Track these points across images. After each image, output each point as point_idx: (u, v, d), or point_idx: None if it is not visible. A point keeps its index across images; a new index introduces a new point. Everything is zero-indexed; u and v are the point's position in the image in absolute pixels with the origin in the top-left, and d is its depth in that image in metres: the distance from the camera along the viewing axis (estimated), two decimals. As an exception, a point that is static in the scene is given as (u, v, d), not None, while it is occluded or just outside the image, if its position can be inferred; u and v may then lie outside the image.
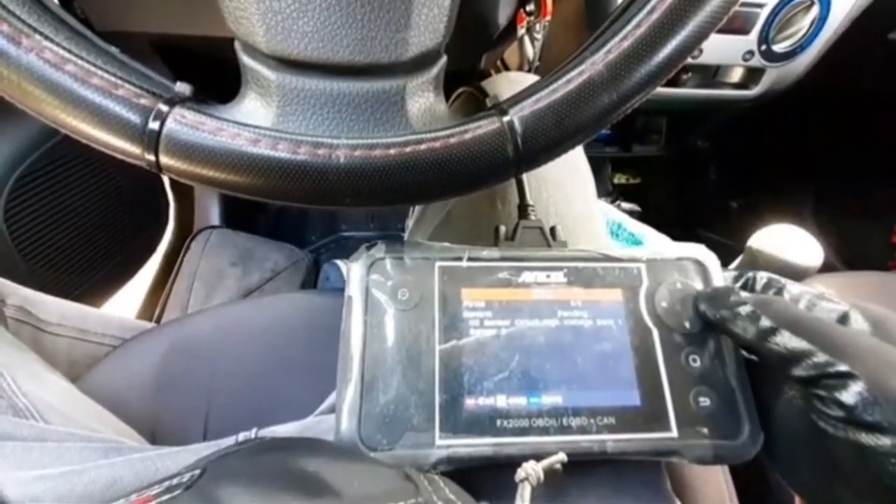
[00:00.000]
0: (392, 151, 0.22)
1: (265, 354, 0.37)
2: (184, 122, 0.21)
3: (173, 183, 0.77)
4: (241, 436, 0.28)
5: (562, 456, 0.23)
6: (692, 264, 0.28)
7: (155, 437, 0.34)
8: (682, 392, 0.25)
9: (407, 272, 0.26)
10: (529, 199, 0.30)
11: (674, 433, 0.24)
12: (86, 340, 0.39)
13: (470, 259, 0.27)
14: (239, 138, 0.21)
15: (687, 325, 0.26)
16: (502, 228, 0.29)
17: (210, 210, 0.81)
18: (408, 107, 0.23)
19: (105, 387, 0.35)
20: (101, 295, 0.63)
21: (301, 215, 0.89)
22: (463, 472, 0.23)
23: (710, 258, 0.28)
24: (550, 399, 0.25)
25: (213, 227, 0.77)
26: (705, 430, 0.24)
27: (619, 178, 1.05)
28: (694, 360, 0.26)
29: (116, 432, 0.30)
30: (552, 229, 0.30)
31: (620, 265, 0.27)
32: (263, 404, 0.35)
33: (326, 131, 0.22)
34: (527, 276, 0.27)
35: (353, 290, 0.25)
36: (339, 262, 0.69)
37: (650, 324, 0.26)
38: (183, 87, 0.22)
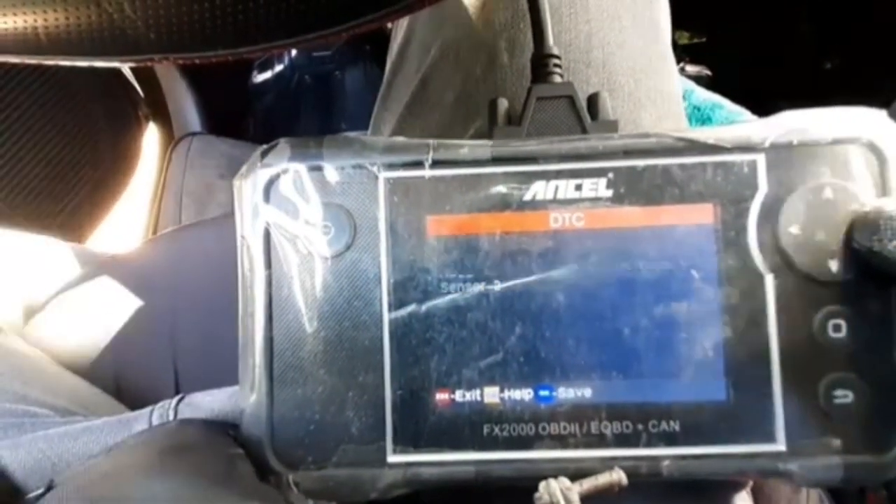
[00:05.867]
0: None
1: (233, 282, 0.30)
2: None
3: (143, 84, 0.65)
4: (157, 411, 0.21)
5: (618, 475, 0.14)
6: (860, 152, 0.15)
7: (119, 385, 0.29)
8: (807, 379, 0.15)
9: (331, 192, 0.15)
10: (553, 44, 0.17)
11: (780, 445, 0.15)
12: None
13: (437, 163, 0.15)
14: None
15: (834, 267, 0.15)
16: (502, 103, 0.17)
17: (187, 115, 0.68)
18: None
19: (52, 333, 0.30)
20: (85, 222, 0.58)
21: (294, 114, 0.76)
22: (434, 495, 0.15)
23: (894, 137, 0.15)
24: (572, 392, 0.15)
25: (194, 133, 0.66)
26: (836, 442, 0.15)
27: (682, 38, 0.81)
28: (837, 329, 0.15)
29: (52, 393, 0.25)
30: (592, 99, 0.17)
31: (717, 159, 0.15)
32: (237, 341, 0.29)
33: None
34: (539, 190, 0.15)
35: (246, 227, 0.15)
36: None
37: (762, 266, 0.15)
38: None
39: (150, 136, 0.67)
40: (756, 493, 0.23)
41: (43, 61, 0.13)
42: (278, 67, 0.78)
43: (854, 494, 0.18)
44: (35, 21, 0.12)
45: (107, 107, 0.63)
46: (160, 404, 0.22)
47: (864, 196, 0.15)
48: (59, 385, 0.27)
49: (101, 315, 0.31)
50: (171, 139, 0.67)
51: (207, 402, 0.21)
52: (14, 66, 0.53)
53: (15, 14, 0.12)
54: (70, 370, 0.29)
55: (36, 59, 0.13)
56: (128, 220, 0.63)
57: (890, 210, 0.14)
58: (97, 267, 0.34)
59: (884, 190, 0.15)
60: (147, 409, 0.22)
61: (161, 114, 0.70)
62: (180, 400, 0.22)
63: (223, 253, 0.32)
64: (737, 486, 0.19)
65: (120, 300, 0.31)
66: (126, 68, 0.62)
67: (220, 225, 0.34)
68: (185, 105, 0.69)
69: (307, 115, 0.77)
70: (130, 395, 0.30)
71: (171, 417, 0.22)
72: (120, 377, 0.30)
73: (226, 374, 0.21)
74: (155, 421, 0.22)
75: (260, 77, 0.79)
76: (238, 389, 0.18)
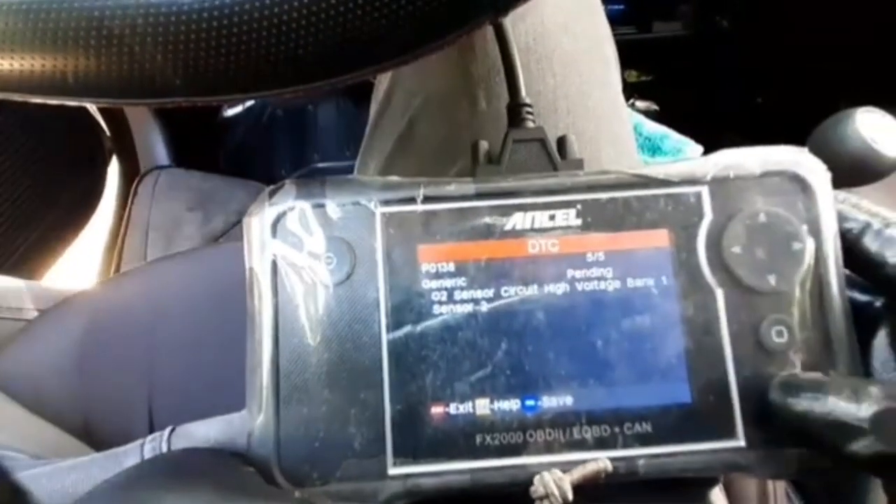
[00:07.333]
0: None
1: (212, 318, 0.30)
2: None
3: (108, 118, 0.64)
4: (149, 444, 0.21)
5: (604, 463, 0.16)
6: (787, 182, 0.18)
7: (89, 428, 0.28)
8: (759, 381, 0.17)
9: (333, 227, 0.17)
10: (525, 94, 0.20)
11: (740, 440, 0.17)
12: None
13: (428, 199, 0.17)
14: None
15: (773, 280, 0.17)
16: (483, 145, 0.19)
17: (154, 147, 0.67)
18: None
19: (19, 372, 0.29)
20: (43, 258, 0.55)
21: (266, 147, 0.77)
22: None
23: (814, 169, 0.18)
24: (555, 401, 0.17)
25: (161, 167, 0.65)
26: (790, 437, 0.17)
27: (631, 76, 0.89)
28: (780, 334, 0.17)
29: (20, 438, 0.24)
30: (561, 141, 0.19)
31: (668, 191, 0.18)
32: (217, 377, 0.29)
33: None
34: (518, 220, 0.17)
35: (255, 260, 0.17)
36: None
37: (712, 281, 0.17)
38: None
39: (114, 171, 0.66)
40: (728, 490, 0.25)
41: (66, 102, 0.14)
42: (248, 102, 0.79)
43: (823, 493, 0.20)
44: (65, 66, 0.12)
45: (70, 142, 0.62)
46: (151, 437, 0.22)
47: (792, 218, 0.17)
48: (26, 430, 0.26)
49: (69, 355, 0.30)
50: (137, 173, 0.66)
51: (202, 432, 0.22)
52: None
53: (44, 58, 0.12)
54: (35, 413, 0.28)
55: (59, 99, 0.14)
56: (86, 256, 0.61)
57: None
58: (65, 303, 0.33)
59: (808, 212, 0.18)
60: (137, 443, 0.22)
61: (126, 148, 0.68)
62: (172, 431, 0.22)
63: (202, 287, 0.32)
64: (710, 483, 0.21)
65: (90, 338, 0.30)
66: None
67: (197, 259, 0.35)
68: (152, 139, 0.68)
69: (280, 148, 0.77)
70: (100, 438, 0.29)
71: (164, 449, 0.22)
72: (90, 419, 0.29)
73: (205, 410, 0.22)
74: (147, 454, 0.22)
75: (230, 111, 0.79)
76: (233, 417, 0.19)
